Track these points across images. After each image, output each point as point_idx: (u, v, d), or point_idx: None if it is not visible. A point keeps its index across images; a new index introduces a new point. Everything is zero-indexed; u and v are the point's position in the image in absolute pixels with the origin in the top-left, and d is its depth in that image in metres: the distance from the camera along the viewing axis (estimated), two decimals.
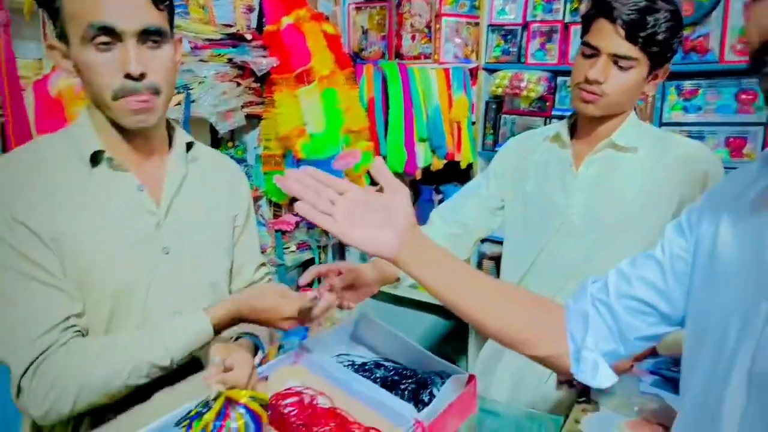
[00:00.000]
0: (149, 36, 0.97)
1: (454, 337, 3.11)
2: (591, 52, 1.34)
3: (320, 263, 3.19)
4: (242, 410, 0.90)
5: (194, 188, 1.16)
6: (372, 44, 3.06)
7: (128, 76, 0.96)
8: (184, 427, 0.88)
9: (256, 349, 1.21)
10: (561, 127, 1.53)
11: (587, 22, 1.37)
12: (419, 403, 1.16)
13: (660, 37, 1.28)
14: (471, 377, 1.23)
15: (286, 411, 1.13)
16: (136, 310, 1.06)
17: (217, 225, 1.21)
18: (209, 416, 0.87)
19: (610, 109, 1.38)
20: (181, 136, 1.17)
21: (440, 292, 0.91)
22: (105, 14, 0.93)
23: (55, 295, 0.96)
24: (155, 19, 0.98)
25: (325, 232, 3.11)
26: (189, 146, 1.17)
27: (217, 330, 1.09)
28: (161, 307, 1.09)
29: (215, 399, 0.90)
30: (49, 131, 1.65)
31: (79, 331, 0.99)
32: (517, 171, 1.60)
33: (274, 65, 2.23)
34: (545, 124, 2.69)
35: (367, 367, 1.28)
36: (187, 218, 1.13)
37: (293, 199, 2.25)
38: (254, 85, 2.52)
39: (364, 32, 3.08)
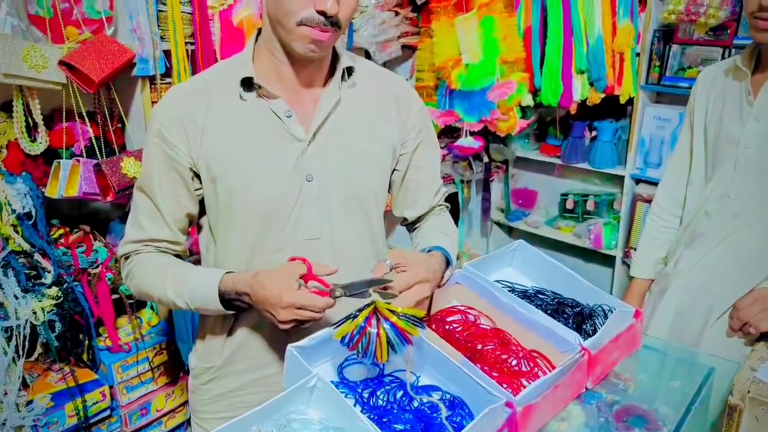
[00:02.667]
0: None
1: (595, 280, 3.03)
2: None
3: (464, 198, 3.22)
4: (387, 325, 0.92)
5: (347, 114, 1.13)
6: None
7: (322, 12, 0.97)
8: (336, 326, 0.94)
9: (447, 264, 1.17)
10: (741, 56, 1.41)
11: None
12: (582, 333, 1.16)
13: None
14: (637, 312, 1.21)
15: (450, 327, 1.19)
16: (278, 233, 1.11)
17: (370, 151, 1.16)
18: (357, 321, 0.92)
19: None
20: (343, 62, 1.14)
21: None
22: None
23: (155, 218, 1.13)
24: None
25: (470, 166, 3.11)
26: (350, 71, 1.14)
27: (224, 299, 1.06)
28: (302, 231, 1.12)
29: (368, 306, 0.94)
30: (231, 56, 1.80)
31: (157, 248, 1.15)
32: (700, 108, 1.51)
33: None
34: (723, 54, 2.43)
35: (527, 294, 1.29)
36: (334, 145, 1.12)
37: (440, 133, 2.26)
38: (411, 14, 2.52)
39: None
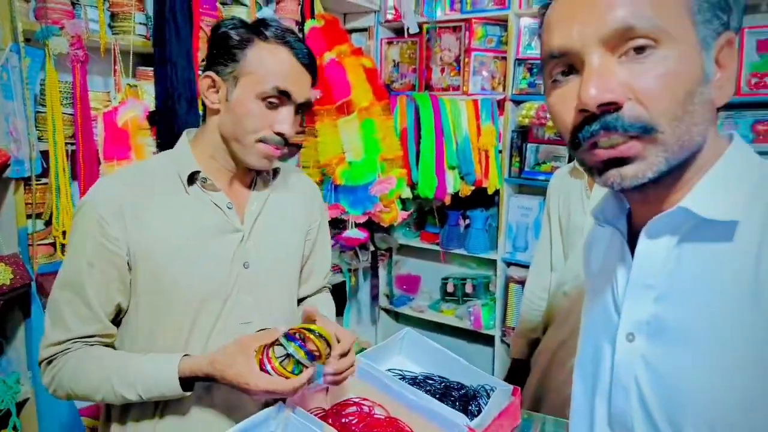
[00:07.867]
0: (303, 106, 1.17)
1: (478, 359, 3.18)
2: None
3: (351, 286, 3.29)
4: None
5: (275, 208, 1.26)
6: (403, 76, 3.20)
7: (280, 134, 1.12)
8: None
9: None
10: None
11: None
12: (468, 414, 1.24)
13: None
14: (515, 389, 1.31)
15: (346, 420, 1.22)
16: (213, 319, 1.16)
17: (292, 241, 1.31)
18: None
19: None
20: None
21: None
22: (289, 83, 1.10)
23: (83, 315, 1.10)
24: (310, 93, 1.18)
25: (357, 255, 3.21)
26: (275, 172, 1.28)
27: (184, 383, 1.07)
28: (236, 317, 1.18)
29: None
30: (115, 158, 1.79)
31: (86, 343, 1.12)
32: (554, 204, 1.75)
33: (317, 97, 2.35)
34: (569, 151, 2.79)
35: (417, 380, 1.36)
36: (266, 235, 1.23)
37: (329, 222, 2.31)
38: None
39: (396, 65, 3.22)
